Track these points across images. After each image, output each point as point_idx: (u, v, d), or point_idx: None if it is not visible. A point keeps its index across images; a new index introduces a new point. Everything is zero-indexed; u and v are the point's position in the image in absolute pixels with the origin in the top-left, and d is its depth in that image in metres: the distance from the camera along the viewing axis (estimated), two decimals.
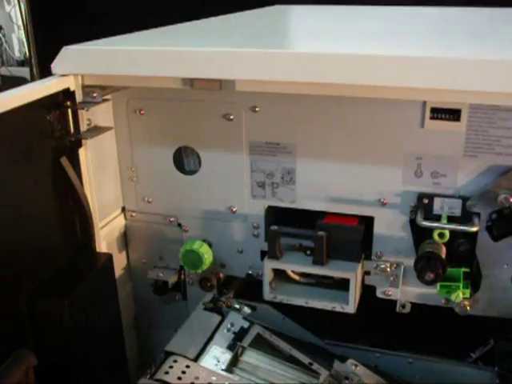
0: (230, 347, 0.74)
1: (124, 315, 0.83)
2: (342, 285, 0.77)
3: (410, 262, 0.76)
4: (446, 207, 0.73)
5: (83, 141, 0.72)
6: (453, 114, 0.69)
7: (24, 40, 2.66)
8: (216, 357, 0.73)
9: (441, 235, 0.73)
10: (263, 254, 0.82)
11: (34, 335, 0.67)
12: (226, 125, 0.78)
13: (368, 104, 0.71)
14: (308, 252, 0.78)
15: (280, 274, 0.80)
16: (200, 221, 0.85)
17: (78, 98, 0.70)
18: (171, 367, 0.69)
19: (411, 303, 0.79)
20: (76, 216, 0.74)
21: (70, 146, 0.71)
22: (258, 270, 0.84)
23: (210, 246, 0.84)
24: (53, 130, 0.68)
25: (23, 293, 0.65)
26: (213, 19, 1.05)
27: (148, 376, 0.67)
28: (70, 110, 0.70)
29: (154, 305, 0.93)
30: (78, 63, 0.69)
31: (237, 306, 0.82)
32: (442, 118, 0.69)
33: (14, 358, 0.61)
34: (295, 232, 0.79)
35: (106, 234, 0.83)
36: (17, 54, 2.99)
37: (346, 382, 0.73)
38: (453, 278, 0.74)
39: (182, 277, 0.89)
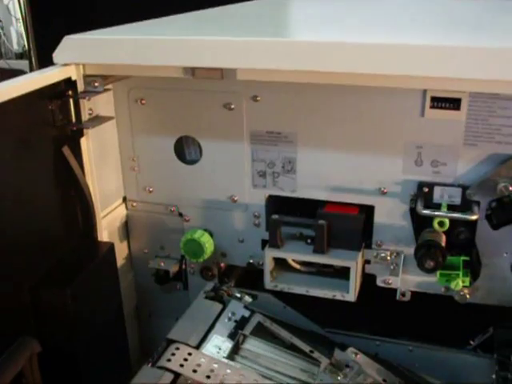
0: (231, 336, 0.74)
1: (125, 305, 0.84)
2: (343, 273, 0.77)
3: (410, 250, 0.76)
4: (446, 196, 0.73)
5: (85, 130, 0.73)
6: (453, 103, 0.69)
7: (22, 33, 2.65)
8: (217, 345, 0.73)
9: (441, 224, 0.73)
10: (264, 243, 0.82)
11: (36, 324, 0.67)
12: (227, 114, 0.78)
13: (369, 93, 0.71)
14: (309, 241, 0.78)
15: (281, 263, 0.81)
16: (201, 210, 0.85)
17: (80, 87, 0.71)
18: (173, 354, 0.69)
19: (411, 291, 0.80)
20: (78, 205, 0.74)
21: (72, 136, 0.72)
22: (258, 258, 0.84)
23: (211, 235, 0.84)
24: (54, 119, 0.68)
25: (26, 282, 0.66)
26: (214, 9, 1.05)
27: (150, 364, 0.67)
28: (71, 100, 0.70)
29: (155, 294, 0.94)
30: (79, 52, 0.70)
31: (238, 295, 0.82)
32: (442, 107, 0.70)
33: (18, 345, 0.61)
34: (296, 221, 0.79)
35: (108, 223, 0.83)
36: (15, 47, 2.98)
37: (347, 369, 0.73)
38: (452, 266, 0.74)
39: (183, 266, 0.90)
